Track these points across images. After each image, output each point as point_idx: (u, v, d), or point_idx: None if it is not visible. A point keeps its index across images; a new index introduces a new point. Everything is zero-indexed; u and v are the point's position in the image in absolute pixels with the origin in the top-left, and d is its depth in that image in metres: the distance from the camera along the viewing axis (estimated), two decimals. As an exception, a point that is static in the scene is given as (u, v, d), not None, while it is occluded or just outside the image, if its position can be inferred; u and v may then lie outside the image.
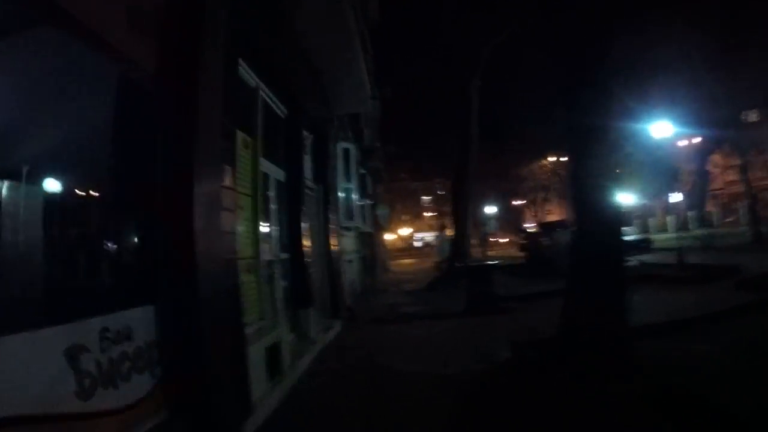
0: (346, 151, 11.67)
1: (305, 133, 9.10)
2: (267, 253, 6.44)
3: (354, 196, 11.63)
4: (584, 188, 6.25)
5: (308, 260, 7.88)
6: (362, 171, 15.25)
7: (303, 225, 7.86)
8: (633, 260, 15.78)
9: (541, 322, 8.15)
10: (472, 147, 15.79)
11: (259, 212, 6.08)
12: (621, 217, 7.78)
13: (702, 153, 38.87)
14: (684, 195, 44.37)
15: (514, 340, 7.19)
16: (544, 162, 48.44)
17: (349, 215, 11.26)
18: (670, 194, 44.63)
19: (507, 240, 53.91)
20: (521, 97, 28.22)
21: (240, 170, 5.36)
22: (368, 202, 15.96)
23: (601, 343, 5.42)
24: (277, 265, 6.76)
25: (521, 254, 20.86)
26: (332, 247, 9.70)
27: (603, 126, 6.01)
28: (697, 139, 43.33)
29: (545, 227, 19.87)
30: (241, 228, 5.19)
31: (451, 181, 16.51)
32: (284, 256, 7.31)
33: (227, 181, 4.46)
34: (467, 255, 16.94)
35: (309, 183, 9.12)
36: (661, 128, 14.43)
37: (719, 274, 11.91)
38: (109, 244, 3.76)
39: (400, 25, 18.66)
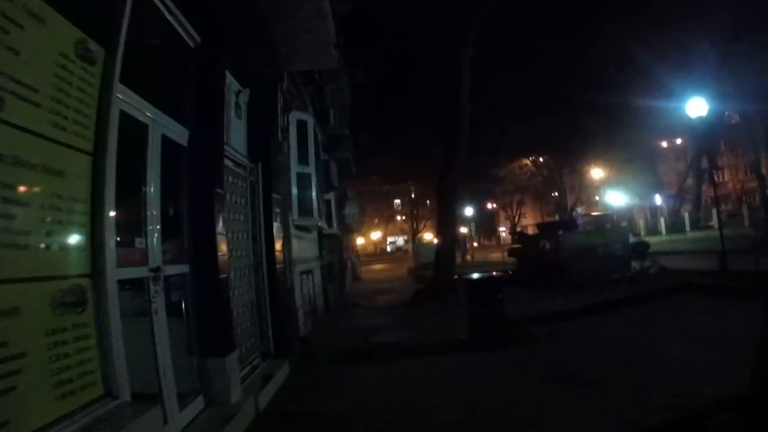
0: (303, 125, 8.64)
1: (233, 81, 6.07)
2: (133, 262, 3.45)
3: (314, 186, 8.58)
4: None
5: (224, 275, 4.82)
6: (326, 157, 12.21)
7: (218, 217, 4.81)
8: (636, 266, 13.17)
9: (591, 363, 5.75)
10: (462, 128, 12.92)
11: (107, 185, 3.07)
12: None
13: (698, 152, 37.10)
14: (667, 197, 42.66)
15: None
16: (525, 162, 46.05)
17: (306, 210, 8.18)
18: (655, 196, 42.81)
19: (478, 244, 51.56)
20: (504, 90, 25.65)
21: (65, 99, 2.84)
22: (333, 197, 12.90)
23: None
24: (156, 286, 3.74)
25: (511, 260, 18.01)
26: (278, 253, 6.65)
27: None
28: (678, 141, 42.04)
29: (546, 228, 17.12)
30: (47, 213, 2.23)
31: (439, 173, 13.60)
32: (177, 269, 4.26)
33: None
34: (455, 264, 14.06)
35: (238, 157, 6.08)
36: (696, 105, 11.74)
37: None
38: None
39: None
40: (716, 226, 34.53)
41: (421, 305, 11.34)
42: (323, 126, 12.89)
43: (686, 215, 36.05)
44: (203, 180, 4.73)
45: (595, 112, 35.05)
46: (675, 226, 35.95)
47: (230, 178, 5.68)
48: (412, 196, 65.56)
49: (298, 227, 8.26)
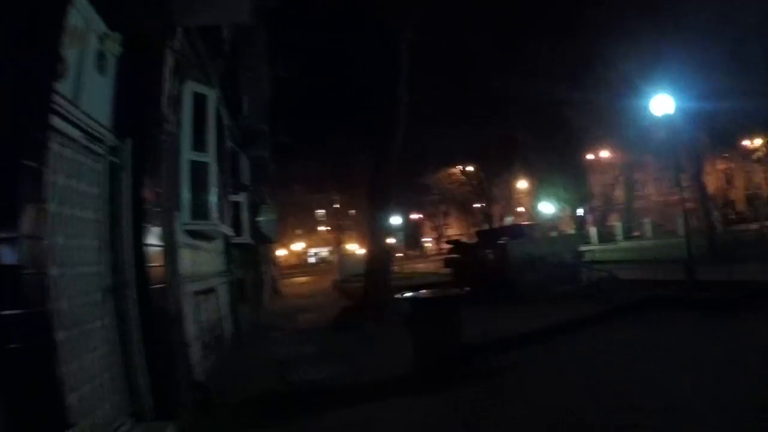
0: (201, 100, 6.64)
1: (95, 17, 4.10)
2: None
3: (214, 181, 6.58)
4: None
5: (39, 308, 2.82)
6: (235, 148, 10.12)
7: (27, 210, 2.83)
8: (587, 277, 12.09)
9: (585, 407, 4.39)
10: (398, 120, 11.26)
11: None
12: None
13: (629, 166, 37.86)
14: (592, 208, 43.36)
15: None
16: (454, 170, 45.30)
17: (202, 212, 6.16)
18: (580, 208, 43.30)
19: (404, 255, 50.41)
20: (435, 96, 24.51)
21: None
22: (246, 199, 10.79)
23: None
24: None
25: (445, 271, 16.55)
26: (155, 268, 4.65)
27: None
28: (606, 155, 43.01)
29: (487, 236, 15.78)
30: None
31: (371, 171, 11.78)
32: None
33: None
34: (390, 277, 12.31)
35: (92, 126, 4.07)
36: (662, 102, 10.80)
37: (751, 294, 8.49)
38: None
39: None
40: (648, 235, 35.62)
41: (350, 327, 9.50)
42: (235, 114, 10.85)
43: (619, 225, 36.54)
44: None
45: (527, 123, 35.04)
46: (602, 236, 36.35)
47: (67, 152, 3.67)
48: (336, 206, 63.90)
49: (192, 233, 6.23)
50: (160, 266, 4.78)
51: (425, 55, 14.06)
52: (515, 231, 15.25)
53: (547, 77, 29.07)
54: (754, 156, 39.35)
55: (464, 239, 22.66)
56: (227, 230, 7.60)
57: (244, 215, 10.60)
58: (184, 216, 5.97)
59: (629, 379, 5.05)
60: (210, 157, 6.54)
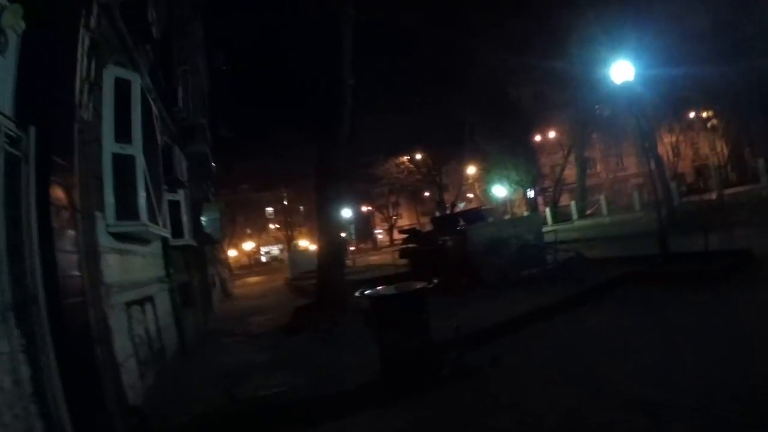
0: (125, 86, 5.86)
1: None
2: None
3: (143, 176, 5.81)
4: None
5: None
6: (169, 142, 9.25)
7: None
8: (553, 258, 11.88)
9: (586, 404, 3.96)
10: (344, 103, 10.60)
11: None
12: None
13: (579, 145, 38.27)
14: (539, 190, 43.86)
15: None
16: (402, 159, 44.88)
17: (130, 211, 5.39)
18: (530, 189, 43.70)
19: (356, 248, 49.97)
20: (381, 83, 23.97)
21: None
22: (185, 198, 9.93)
23: None
24: None
25: (402, 262, 15.94)
26: (68, 278, 3.93)
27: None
28: (554, 135, 43.51)
29: (444, 222, 15.31)
30: None
31: (316, 160, 11.06)
32: None
33: None
34: (344, 272, 11.70)
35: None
36: (621, 69, 10.66)
37: (733, 264, 8.47)
38: None
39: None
40: (604, 212, 36.09)
41: (304, 329, 8.85)
42: (169, 107, 10.01)
43: (573, 204, 36.89)
44: None
45: (475, 106, 34.96)
46: (557, 216, 36.68)
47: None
48: (285, 202, 62.72)
49: (119, 236, 5.46)
50: (76, 276, 4.05)
51: (368, 37, 13.48)
52: (473, 215, 14.74)
53: (495, 56, 29.01)
54: (709, 125, 40.61)
55: (419, 228, 22.18)
56: (163, 231, 6.82)
57: (185, 215, 9.77)
58: (108, 217, 5.21)
59: (624, 369, 4.65)
60: (136, 150, 5.77)
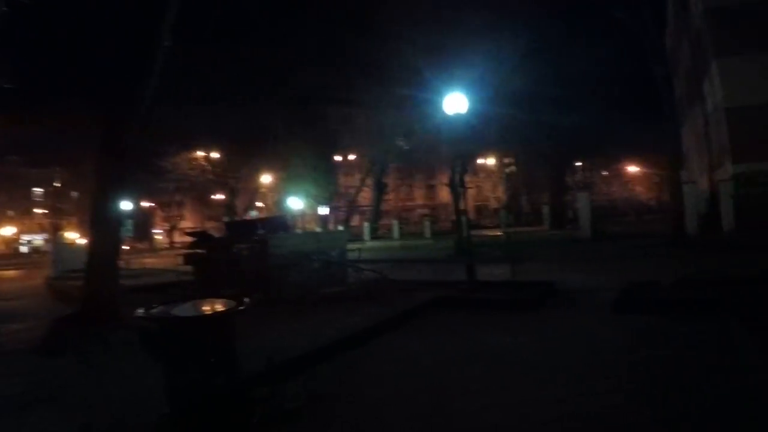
0: None
1: None
2: None
3: None
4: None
5: None
6: None
7: None
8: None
9: None
10: (153, 72, 8.61)
11: None
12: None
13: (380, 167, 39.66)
14: (335, 207, 44.28)
15: None
16: (197, 155, 41.53)
17: None
18: (321, 206, 43.88)
19: (131, 248, 45.13)
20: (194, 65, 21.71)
21: None
22: None
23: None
24: None
25: (187, 268, 13.84)
26: None
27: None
28: (352, 157, 44.80)
29: (241, 228, 13.89)
30: None
31: (103, 135, 8.85)
32: None
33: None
34: (118, 276, 9.56)
35: None
36: (455, 101, 10.80)
37: (542, 293, 9.01)
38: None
39: None
40: (395, 236, 37.74)
41: (66, 349, 6.88)
42: None
43: (366, 225, 37.84)
44: None
45: (285, 115, 33.86)
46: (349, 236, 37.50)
47: None
48: (57, 184, 54.51)
49: None
50: None
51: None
52: (275, 223, 13.44)
53: (310, 70, 28.45)
54: (507, 170, 45.78)
55: (210, 232, 20.10)
56: None
57: None
58: None
59: (457, 405, 4.22)
60: None
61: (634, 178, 70.07)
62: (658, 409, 3.95)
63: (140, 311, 4.15)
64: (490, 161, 48.88)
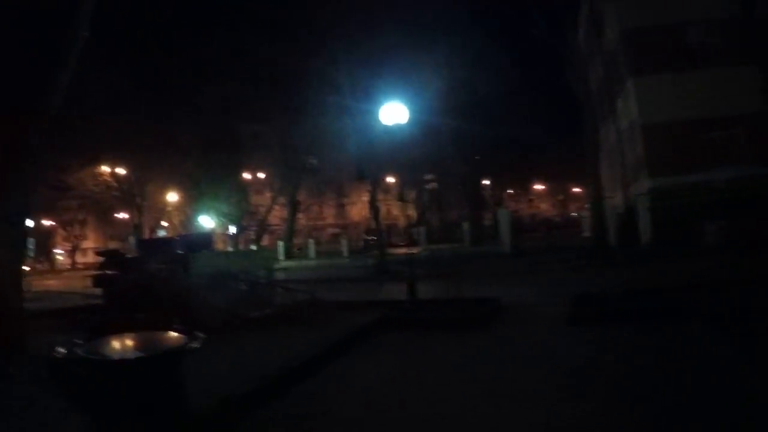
0: None
1: None
2: None
3: None
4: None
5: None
6: None
7: None
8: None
9: None
10: (66, 60, 7.27)
11: None
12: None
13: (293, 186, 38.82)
14: (242, 227, 42.65)
15: None
16: (101, 170, 38.28)
17: None
18: (232, 226, 42.17)
19: (31, 269, 40.99)
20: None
21: None
22: None
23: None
24: None
25: (95, 291, 12.43)
26: None
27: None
28: (262, 175, 43.84)
29: (156, 247, 12.56)
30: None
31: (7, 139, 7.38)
32: None
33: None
34: (22, 298, 8.13)
35: None
36: (394, 112, 10.49)
37: (491, 310, 8.71)
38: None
39: None
40: (311, 255, 36.78)
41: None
42: None
43: (281, 244, 36.67)
44: None
45: (196, 130, 32.11)
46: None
47: None
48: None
49: None
50: None
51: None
52: (196, 241, 12.45)
53: (224, 84, 27.26)
54: (429, 186, 46.40)
55: (122, 251, 18.40)
56: None
57: None
58: None
59: None
60: None
61: (539, 195, 73.74)
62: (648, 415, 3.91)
63: (61, 350, 3.24)
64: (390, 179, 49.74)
